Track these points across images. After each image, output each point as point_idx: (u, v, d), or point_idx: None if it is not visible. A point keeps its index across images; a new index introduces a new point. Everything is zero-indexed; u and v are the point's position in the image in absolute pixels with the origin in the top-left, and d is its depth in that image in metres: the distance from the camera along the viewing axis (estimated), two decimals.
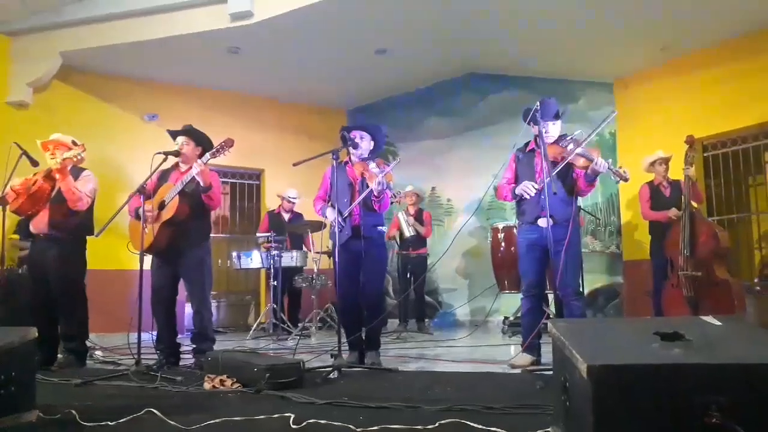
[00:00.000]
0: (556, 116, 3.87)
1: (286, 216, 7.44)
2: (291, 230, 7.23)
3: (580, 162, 3.67)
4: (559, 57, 7.03)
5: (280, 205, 7.54)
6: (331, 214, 4.05)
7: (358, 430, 2.08)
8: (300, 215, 7.46)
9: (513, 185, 3.90)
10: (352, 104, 9.12)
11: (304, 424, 2.16)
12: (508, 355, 4.69)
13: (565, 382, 1.73)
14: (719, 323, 1.83)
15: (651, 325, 1.81)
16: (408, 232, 7.06)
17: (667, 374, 1.52)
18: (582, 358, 1.55)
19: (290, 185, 7.69)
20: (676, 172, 5.62)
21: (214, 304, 4.40)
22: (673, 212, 5.43)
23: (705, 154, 6.69)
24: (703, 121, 6.38)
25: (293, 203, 7.46)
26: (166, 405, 2.52)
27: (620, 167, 3.68)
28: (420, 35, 6.79)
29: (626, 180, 3.69)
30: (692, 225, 4.96)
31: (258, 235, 7.06)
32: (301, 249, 7.16)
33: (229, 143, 3.87)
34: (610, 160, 3.66)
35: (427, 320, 7.35)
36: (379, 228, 4.15)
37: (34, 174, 4.24)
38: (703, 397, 1.48)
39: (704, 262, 4.88)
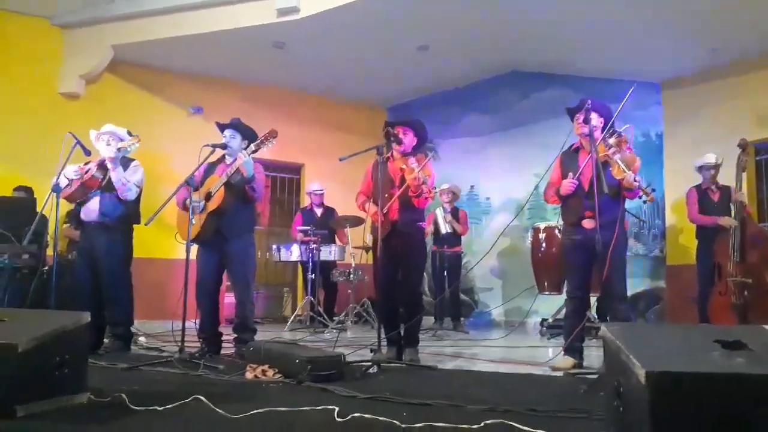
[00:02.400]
0: (592, 109, 3.78)
1: (318, 211, 7.50)
2: (331, 226, 7.25)
3: (616, 171, 3.56)
4: (605, 56, 6.88)
5: (311, 202, 7.60)
6: (372, 209, 4.06)
7: (403, 426, 2.07)
8: (332, 210, 7.50)
9: (557, 187, 3.83)
10: (392, 101, 9.10)
11: (349, 417, 2.16)
12: (548, 357, 4.62)
13: (618, 387, 1.69)
14: None
15: (710, 332, 1.75)
16: (444, 229, 7.01)
17: (728, 384, 1.47)
18: (640, 363, 1.51)
19: (329, 180, 7.74)
20: (727, 177, 5.45)
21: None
22: (726, 220, 5.19)
23: (757, 158, 6.48)
24: (755, 125, 6.18)
25: (319, 195, 7.50)
26: (210, 392, 2.55)
27: (648, 185, 3.58)
28: (463, 32, 6.73)
29: (652, 201, 3.60)
30: (743, 230, 4.80)
31: (298, 229, 7.11)
32: (334, 243, 7.20)
33: (273, 134, 3.92)
34: (640, 178, 3.55)
35: (462, 319, 7.31)
36: (419, 224, 4.13)
37: (86, 163, 4.37)
38: (766, 410, 1.43)
39: (755, 269, 4.73)
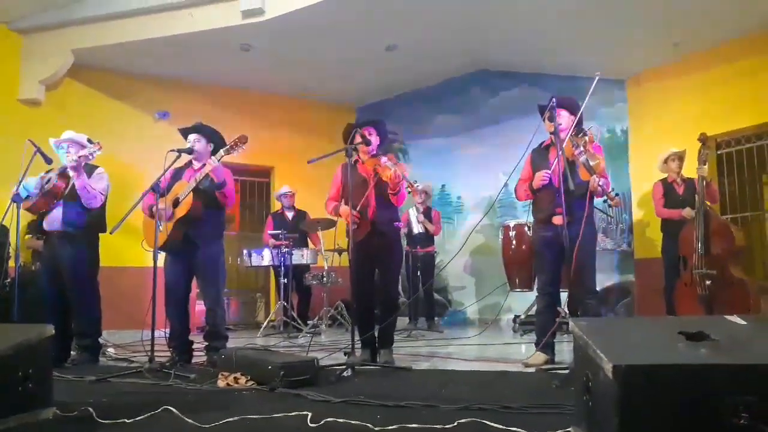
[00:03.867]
0: (561, 106, 3.83)
1: (289, 215, 7.44)
2: (301, 229, 7.19)
3: (582, 173, 3.62)
4: (571, 54, 6.98)
5: (282, 205, 7.54)
6: (345, 212, 4.04)
7: (376, 429, 2.07)
8: (304, 213, 7.45)
9: (529, 181, 3.87)
10: (361, 101, 9.09)
11: (322, 422, 2.15)
12: (521, 353, 4.67)
13: (587, 381, 1.71)
14: (744, 322, 1.81)
15: (675, 324, 1.79)
16: (417, 229, 7.03)
17: (694, 375, 1.50)
18: (607, 357, 1.53)
19: (300, 183, 7.69)
20: (690, 170, 5.57)
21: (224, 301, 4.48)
22: (686, 212, 5.38)
23: (718, 152, 6.63)
24: (717, 119, 6.32)
25: (290, 197, 7.44)
26: (181, 402, 2.51)
27: (613, 190, 3.65)
28: (430, 31, 6.76)
29: (616, 206, 3.68)
30: (707, 223, 4.91)
31: (269, 233, 7.03)
32: (306, 246, 7.14)
33: (243, 140, 3.89)
34: (605, 182, 3.60)
35: (436, 318, 7.33)
36: (395, 223, 4.14)
37: (47, 171, 4.26)
38: (732, 398, 1.46)
39: (719, 261, 4.83)
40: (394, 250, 4.11)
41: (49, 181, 4.13)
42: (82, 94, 7.25)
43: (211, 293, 4.10)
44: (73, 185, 4.11)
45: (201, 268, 4.07)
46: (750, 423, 1.45)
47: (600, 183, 3.52)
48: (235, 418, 2.25)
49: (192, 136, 4.16)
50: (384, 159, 3.97)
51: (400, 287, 7.99)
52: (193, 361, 4.13)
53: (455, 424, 2.08)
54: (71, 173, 4.08)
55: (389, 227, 4.05)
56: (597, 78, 3.73)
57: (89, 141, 4.20)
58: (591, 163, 3.48)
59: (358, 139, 4.07)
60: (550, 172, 3.71)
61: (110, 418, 2.27)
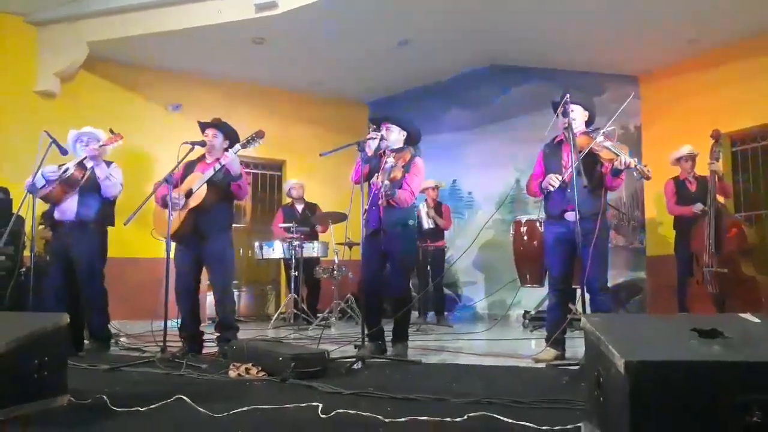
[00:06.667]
0: (574, 102, 3.81)
1: (300, 207, 7.45)
2: (312, 222, 7.21)
3: (606, 154, 3.61)
4: (584, 49, 6.94)
5: (292, 198, 7.56)
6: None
7: (386, 421, 2.08)
8: (314, 206, 7.45)
9: (540, 180, 3.85)
10: (373, 96, 9.09)
11: (333, 413, 2.16)
12: (530, 349, 4.68)
13: (599, 377, 1.71)
14: (758, 320, 1.80)
15: (688, 321, 1.78)
16: (427, 224, 7.03)
17: (707, 372, 1.49)
18: (619, 353, 1.52)
19: (311, 177, 7.71)
20: (703, 167, 5.53)
21: (234, 293, 4.48)
22: (698, 207, 5.34)
23: (733, 149, 6.58)
24: (731, 116, 6.27)
25: (297, 188, 7.42)
26: (193, 392, 2.54)
27: (645, 166, 3.61)
28: (443, 26, 6.74)
29: (648, 178, 3.61)
30: (718, 220, 4.88)
31: (281, 226, 7.04)
32: (317, 238, 7.14)
33: (260, 134, 3.94)
34: (636, 159, 3.57)
35: (446, 313, 7.34)
36: (404, 222, 4.04)
37: (61, 164, 4.30)
38: (745, 396, 1.46)
39: (730, 259, 4.80)
40: (402, 249, 4.06)
41: (67, 170, 4.18)
42: (97, 86, 7.31)
43: (220, 284, 4.13)
44: (90, 176, 4.16)
45: (209, 259, 4.10)
46: (763, 421, 1.44)
47: (631, 160, 3.47)
48: (247, 408, 2.27)
49: (210, 131, 4.19)
50: (390, 158, 3.97)
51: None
52: (205, 351, 4.16)
53: (465, 417, 2.09)
54: (92, 163, 4.14)
55: (396, 226, 3.97)
56: (632, 96, 3.73)
57: (111, 132, 4.24)
58: (616, 148, 3.51)
59: (371, 132, 4.07)
60: (561, 178, 3.67)
61: (124, 407, 2.29)
